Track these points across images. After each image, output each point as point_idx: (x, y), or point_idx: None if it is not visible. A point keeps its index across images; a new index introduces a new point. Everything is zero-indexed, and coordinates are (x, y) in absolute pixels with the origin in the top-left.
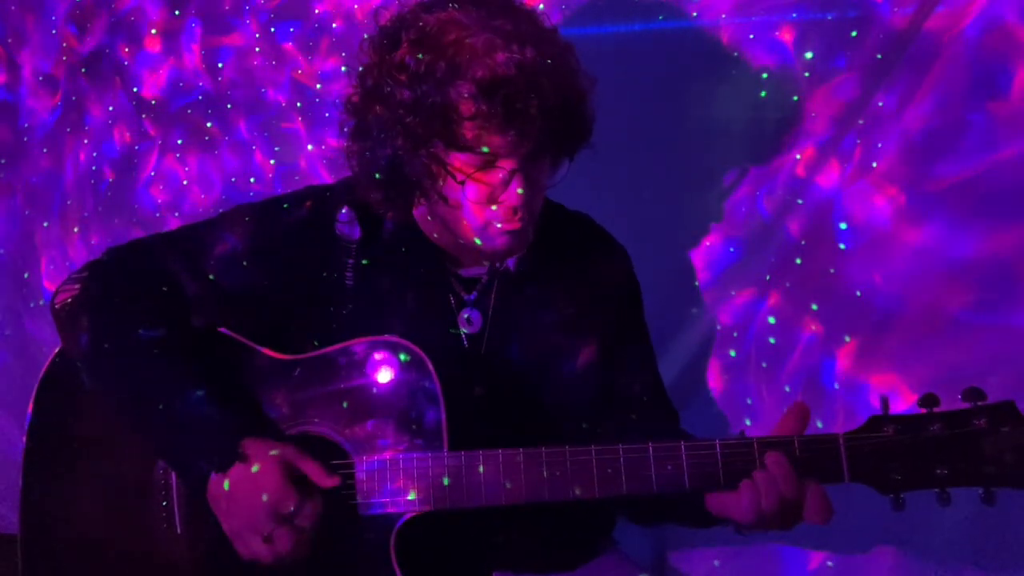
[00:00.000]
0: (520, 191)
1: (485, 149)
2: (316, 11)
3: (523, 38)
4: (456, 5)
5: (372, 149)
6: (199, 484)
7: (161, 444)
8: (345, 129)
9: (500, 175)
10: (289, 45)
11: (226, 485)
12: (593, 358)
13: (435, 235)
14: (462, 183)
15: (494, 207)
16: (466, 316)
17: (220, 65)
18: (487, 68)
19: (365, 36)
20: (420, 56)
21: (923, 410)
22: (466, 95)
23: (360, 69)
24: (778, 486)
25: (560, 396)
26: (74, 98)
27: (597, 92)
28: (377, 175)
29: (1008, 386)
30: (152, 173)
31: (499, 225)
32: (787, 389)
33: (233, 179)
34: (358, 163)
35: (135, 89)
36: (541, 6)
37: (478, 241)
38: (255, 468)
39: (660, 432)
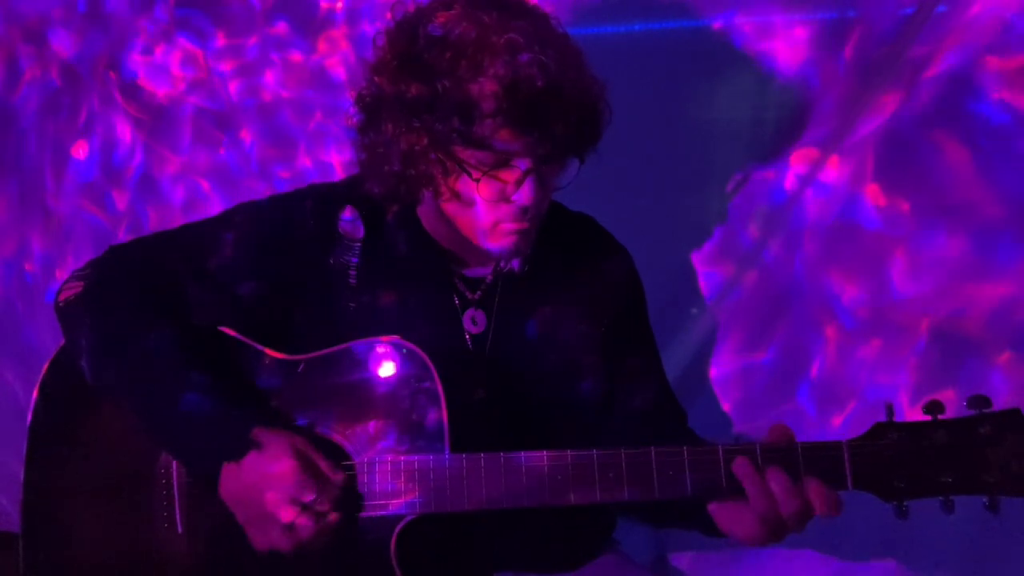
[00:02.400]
0: (533, 191)
1: (502, 148)
2: (317, 9)
3: (543, 40)
4: (473, 4)
5: (385, 144)
6: (211, 477)
7: (169, 440)
8: (355, 123)
9: (515, 174)
10: (290, 42)
11: (237, 476)
12: (597, 361)
13: (440, 234)
14: (478, 180)
15: (507, 205)
16: (471, 316)
17: (220, 66)
18: (511, 68)
19: (379, 31)
20: (441, 52)
21: (928, 417)
22: (489, 93)
23: (373, 64)
24: (778, 508)
25: (564, 398)
26: (74, 97)
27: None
28: (387, 169)
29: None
30: (153, 173)
31: (508, 224)
32: (788, 390)
33: (234, 178)
34: (368, 157)
35: (135, 88)
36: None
37: (484, 240)
38: (269, 455)
39: (667, 434)
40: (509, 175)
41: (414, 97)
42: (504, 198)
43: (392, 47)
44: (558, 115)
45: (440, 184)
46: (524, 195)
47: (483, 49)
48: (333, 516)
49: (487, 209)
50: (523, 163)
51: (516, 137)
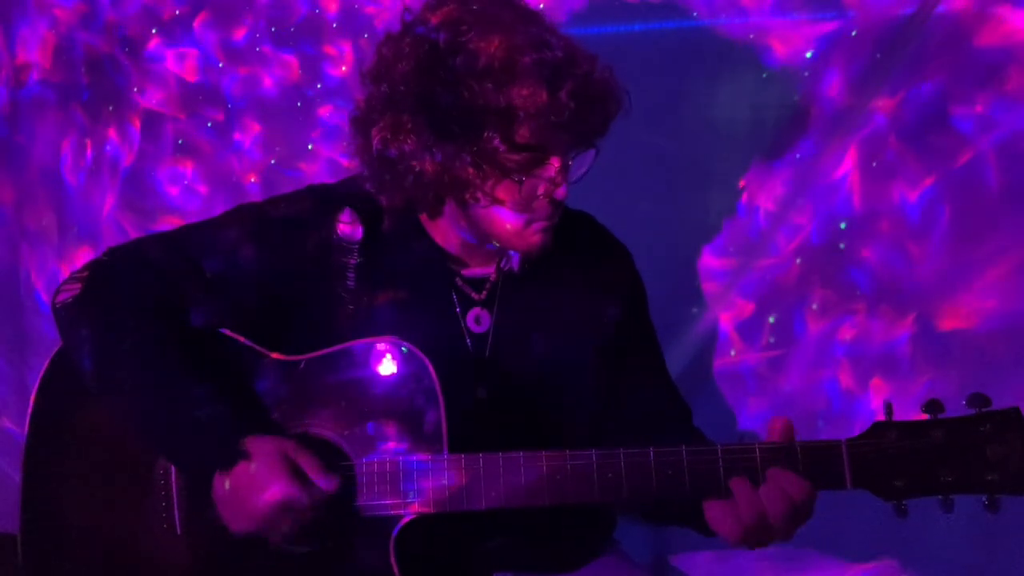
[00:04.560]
0: (566, 186)
1: (543, 145)
2: (316, 11)
3: (560, 38)
4: (486, 7)
5: (415, 155)
6: (205, 484)
7: (163, 444)
8: (369, 140)
9: (549, 171)
10: (290, 44)
11: (227, 485)
12: (598, 360)
13: (441, 236)
14: (520, 182)
15: (539, 202)
16: (475, 316)
17: (220, 64)
18: (543, 66)
19: (383, 40)
20: (470, 59)
21: (927, 416)
22: (526, 94)
23: (390, 75)
24: (763, 508)
25: (564, 398)
26: (72, 97)
27: None
28: (412, 180)
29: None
30: (152, 173)
31: (541, 222)
32: (788, 389)
33: (233, 179)
34: (388, 169)
35: (135, 88)
36: (542, 6)
37: (516, 240)
38: (256, 466)
39: (671, 431)
40: (544, 171)
41: (447, 106)
42: (538, 195)
43: (414, 56)
44: (590, 105)
45: (476, 189)
46: (562, 189)
47: (512, 51)
48: (314, 529)
49: (523, 208)
50: (555, 160)
51: (555, 133)
